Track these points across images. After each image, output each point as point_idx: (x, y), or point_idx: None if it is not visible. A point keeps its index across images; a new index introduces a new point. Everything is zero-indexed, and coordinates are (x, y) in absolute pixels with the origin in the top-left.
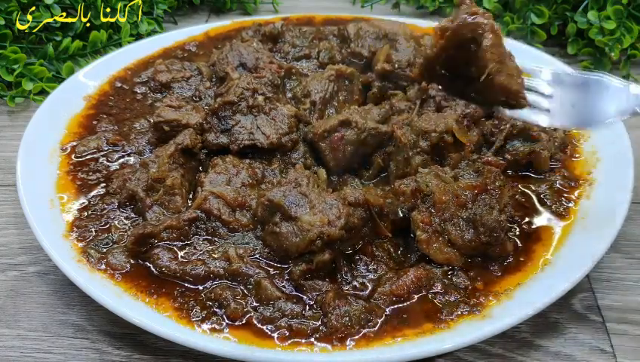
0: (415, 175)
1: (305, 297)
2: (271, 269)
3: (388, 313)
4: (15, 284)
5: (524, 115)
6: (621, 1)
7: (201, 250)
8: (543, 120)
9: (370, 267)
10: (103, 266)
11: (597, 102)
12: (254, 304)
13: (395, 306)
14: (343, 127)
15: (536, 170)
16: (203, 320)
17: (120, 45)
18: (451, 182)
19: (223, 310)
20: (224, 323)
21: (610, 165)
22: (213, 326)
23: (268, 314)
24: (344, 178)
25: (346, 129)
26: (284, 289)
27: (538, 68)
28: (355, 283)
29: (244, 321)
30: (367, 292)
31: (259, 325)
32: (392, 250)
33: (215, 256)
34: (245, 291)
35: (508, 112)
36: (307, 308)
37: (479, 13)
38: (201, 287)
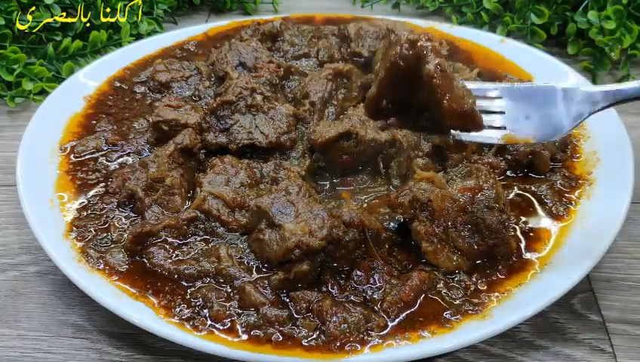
0: (410, 184)
1: (290, 304)
2: (260, 274)
3: (390, 319)
4: (15, 284)
5: (479, 136)
6: (621, 1)
7: (195, 250)
8: (498, 138)
9: (365, 279)
10: (102, 266)
11: (551, 111)
12: (237, 309)
13: (407, 310)
14: (343, 138)
15: (536, 170)
16: (188, 320)
17: (120, 45)
18: (446, 187)
19: (206, 310)
20: (207, 324)
21: (610, 165)
22: (197, 325)
23: (252, 320)
24: (344, 180)
25: (346, 140)
26: (267, 295)
27: (486, 84)
28: (348, 295)
29: (228, 325)
30: (370, 303)
31: (246, 333)
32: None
33: (208, 255)
34: (230, 293)
35: (464, 137)
36: (295, 313)
37: (419, 39)
38: (192, 286)
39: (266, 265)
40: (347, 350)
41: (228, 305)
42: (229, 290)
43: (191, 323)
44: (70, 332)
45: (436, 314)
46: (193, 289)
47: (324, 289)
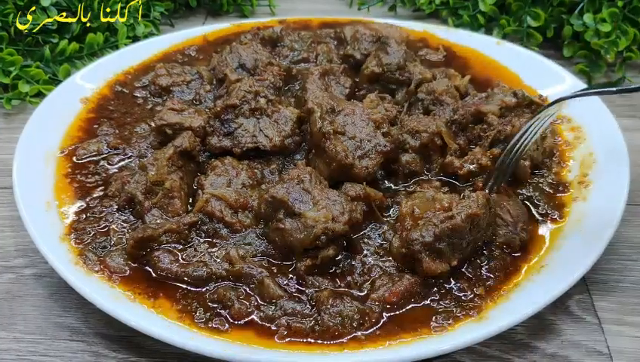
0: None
1: (307, 293)
2: (273, 268)
3: (383, 318)
4: (11, 287)
5: None
6: (617, 3)
7: (201, 252)
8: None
9: (364, 267)
10: (101, 269)
11: None
12: (258, 302)
13: (391, 312)
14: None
15: (517, 179)
16: (206, 321)
17: (117, 48)
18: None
19: (227, 310)
20: (227, 324)
21: (606, 167)
22: (217, 326)
23: (270, 312)
24: None
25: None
26: (287, 287)
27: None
28: (355, 276)
29: (247, 320)
30: (363, 294)
31: (260, 322)
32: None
33: (216, 257)
34: (249, 291)
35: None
36: (307, 305)
37: None
38: (203, 289)
39: (279, 258)
40: (342, 345)
41: (248, 302)
42: (245, 289)
43: (211, 325)
44: (66, 334)
45: (432, 315)
46: (209, 291)
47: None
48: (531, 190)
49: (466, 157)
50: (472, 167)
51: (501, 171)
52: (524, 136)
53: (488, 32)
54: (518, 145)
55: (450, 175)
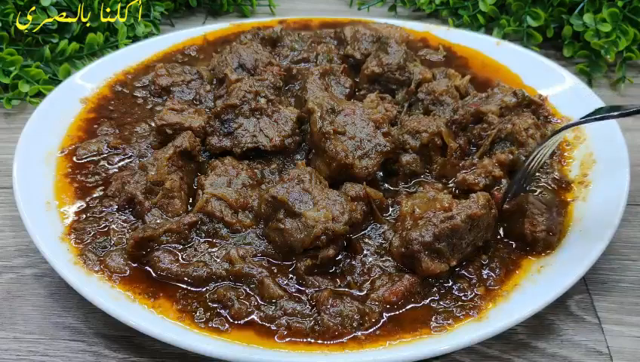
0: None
1: (307, 293)
2: (273, 268)
3: (383, 318)
4: (11, 287)
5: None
6: (617, 3)
7: (202, 252)
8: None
9: (364, 267)
10: (101, 269)
11: None
12: (258, 302)
13: (391, 312)
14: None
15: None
16: (207, 321)
17: (117, 47)
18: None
19: (227, 310)
20: (227, 324)
21: (606, 167)
22: (217, 326)
23: (270, 312)
24: None
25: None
26: (287, 287)
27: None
28: (355, 276)
29: (247, 320)
30: (363, 294)
31: (260, 322)
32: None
33: (217, 257)
34: (249, 291)
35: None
36: (307, 305)
37: None
38: (203, 289)
39: (279, 258)
40: (343, 345)
41: (248, 302)
42: (245, 289)
43: (211, 325)
44: (66, 334)
45: (432, 315)
46: (209, 291)
47: (337, 270)
48: (536, 191)
49: (478, 171)
50: (486, 180)
51: (519, 185)
52: (539, 154)
53: (488, 32)
54: (533, 163)
55: (466, 191)
